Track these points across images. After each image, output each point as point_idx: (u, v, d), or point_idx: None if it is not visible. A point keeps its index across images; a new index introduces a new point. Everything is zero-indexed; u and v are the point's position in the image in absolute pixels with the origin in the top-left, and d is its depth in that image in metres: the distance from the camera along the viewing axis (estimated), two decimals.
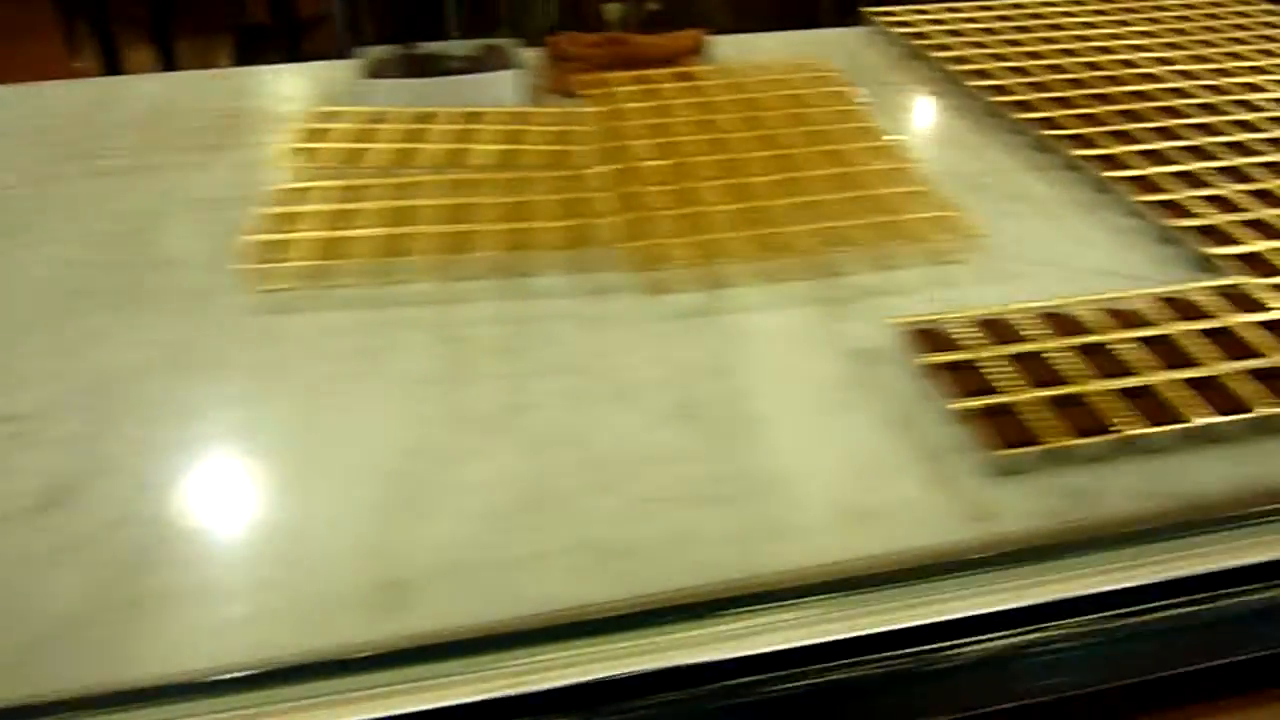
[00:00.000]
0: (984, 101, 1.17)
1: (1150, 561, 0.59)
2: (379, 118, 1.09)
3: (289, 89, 1.31)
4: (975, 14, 1.44)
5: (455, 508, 0.62)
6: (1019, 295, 0.83)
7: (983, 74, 1.22)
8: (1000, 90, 1.18)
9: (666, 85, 1.18)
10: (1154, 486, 0.64)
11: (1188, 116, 1.11)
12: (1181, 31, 1.37)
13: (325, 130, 1.07)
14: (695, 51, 1.29)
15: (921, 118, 1.22)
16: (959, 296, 0.84)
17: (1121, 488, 0.64)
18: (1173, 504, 0.63)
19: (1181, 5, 1.48)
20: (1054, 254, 0.91)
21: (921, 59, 1.31)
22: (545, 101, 1.20)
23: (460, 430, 0.69)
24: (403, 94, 1.13)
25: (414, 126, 1.08)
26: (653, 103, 1.13)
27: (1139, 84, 1.19)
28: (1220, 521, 0.62)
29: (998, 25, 1.39)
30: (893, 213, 0.92)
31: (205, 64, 2.98)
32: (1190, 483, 0.65)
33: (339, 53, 1.35)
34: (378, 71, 1.17)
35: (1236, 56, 1.29)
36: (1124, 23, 1.40)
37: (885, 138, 1.05)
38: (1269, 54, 1.29)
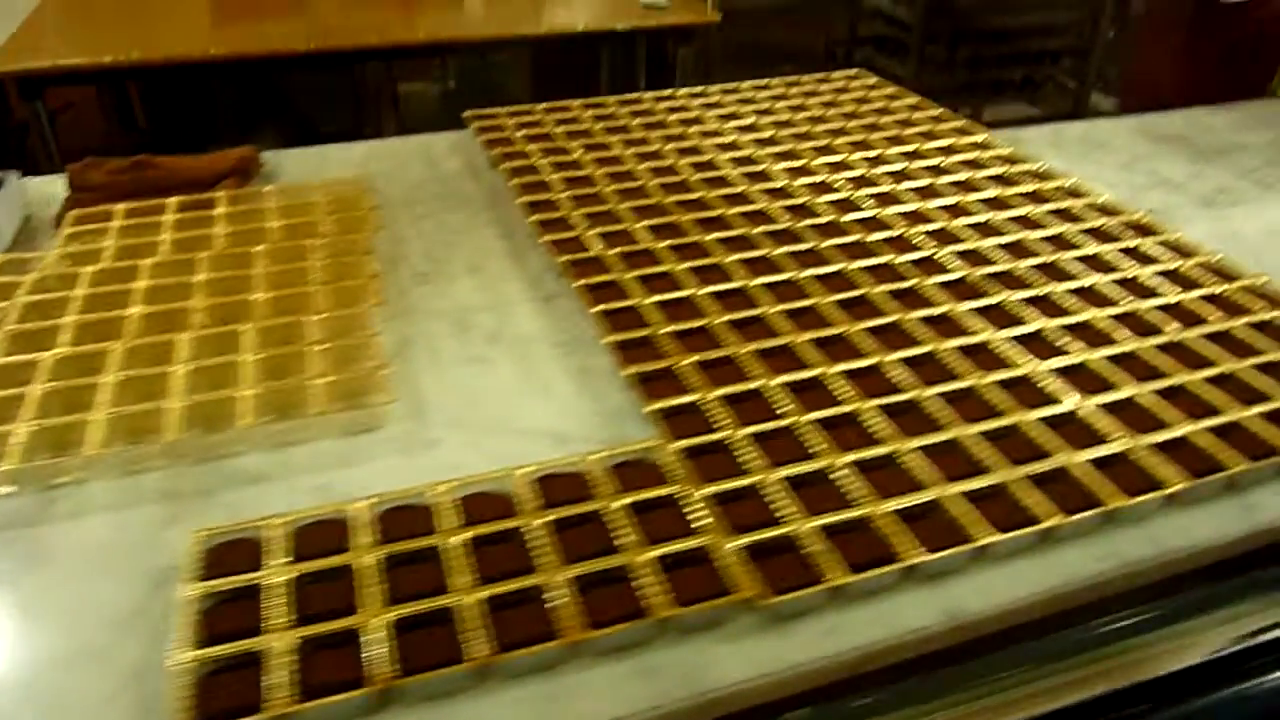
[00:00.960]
0: (526, 222, 1.07)
1: None
2: None
3: None
4: (581, 114, 1.36)
5: None
6: (426, 469, 0.72)
7: (541, 187, 1.13)
8: (546, 207, 1.08)
9: (170, 218, 1.05)
10: None
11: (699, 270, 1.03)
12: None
13: None
14: (240, 174, 1.17)
15: (447, 244, 1.09)
16: (355, 478, 0.72)
17: None
18: None
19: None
20: (495, 413, 0.80)
21: (498, 169, 1.22)
22: (42, 240, 1.06)
23: None
24: None
25: None
26: (133, 241, 1.00)
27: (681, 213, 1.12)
28: None
29: (598, 129, 1.31)
30: (317, 374, 0.80)
31: None
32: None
33: None
34: None
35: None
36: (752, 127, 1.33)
37: (370, 277, 0.94)
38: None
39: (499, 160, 1.21)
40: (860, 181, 1.16)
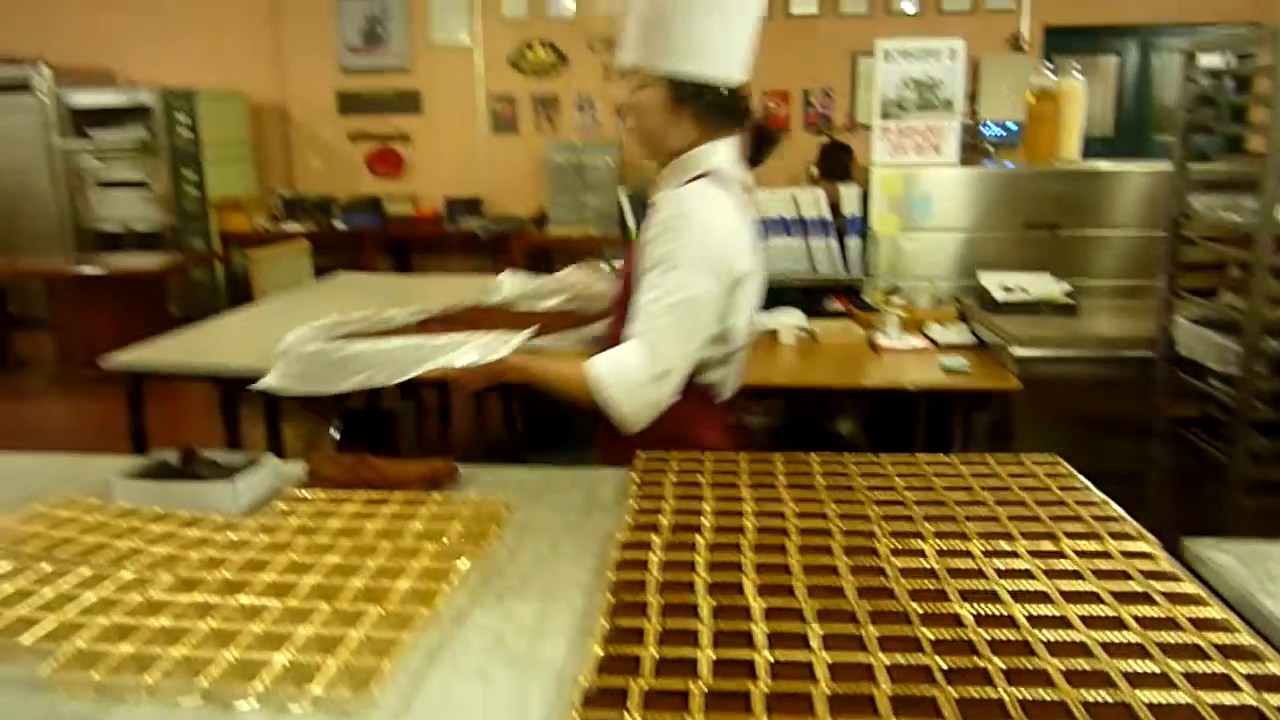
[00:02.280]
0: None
1: None
2: (102, 511, 1.31)
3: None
4: (740, 466, 1.44)
5: None
6: None
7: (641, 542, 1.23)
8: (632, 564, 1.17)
9: (357, 509, 1.31)
10: None
11: None
12: None
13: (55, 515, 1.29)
14: (434, 481, 1.41)
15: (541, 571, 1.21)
16: None
17: None
18: None
19: None
20: None
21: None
22: (266, 512, 1.36)
23: None
24: (137, 493, 1.35)
25: (119, 522, 1.27)
26: (317, 524, 1.26)
27: None
28: None
29: (745, 479, 1.39)
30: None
31: None
32: None
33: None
34: (145, 471, 1.41)
35: None
36: None
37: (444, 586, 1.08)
38: None
39: (632, 499, 1.33)
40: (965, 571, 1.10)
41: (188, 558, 1.17)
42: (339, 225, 6.57)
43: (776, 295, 2.58)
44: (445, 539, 1.21)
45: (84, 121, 6.64)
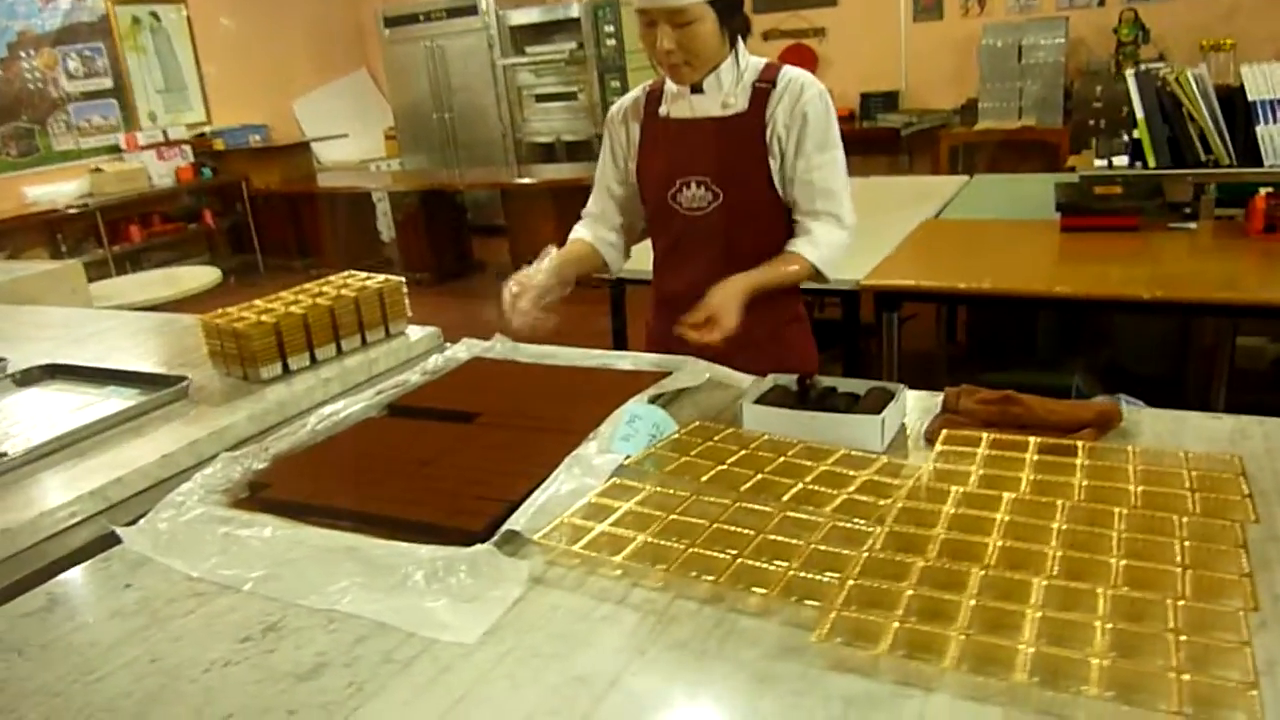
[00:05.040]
0: None
1: None
2: (743, 439, 1.25)
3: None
4: None
5: None
6: None
7: None
8: None
9: (1030, 457, 1.12)
10: None
11: None
12: None
13: (690, 442, 1.25)
14: (1100, 426, 1.19)
15: None
16: None
17: None
18: None
19: None
20: None
21: None
22: (910, 449, 1.23)
23: None
24: (775, 422, 1.27)
25: (765, 454, 1.20)
26: (997, 472, 1.09)
27: None
28: None
29: None
30: (1171, 666, 0.76)
31: None
32: None
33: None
34: (770, 397, 1.33)
35: None
36: None
37: (1241, 575, 0.86)
38: None
39: None
40: None
41: (882, 507, 1.05)
42: None
43: None
44: (1181, 509, 0.99)
45: (521, 38, 7.12)
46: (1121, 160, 3.30)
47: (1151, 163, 3.18)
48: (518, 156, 7.32)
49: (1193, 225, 2.94)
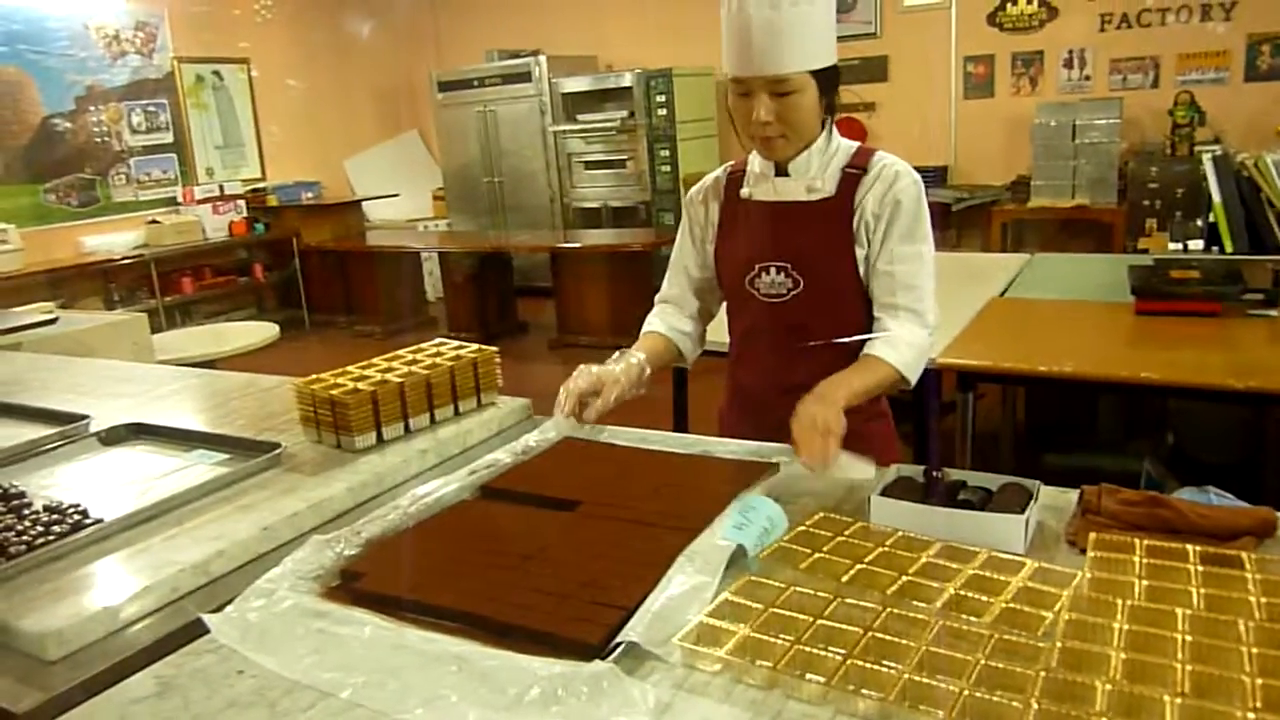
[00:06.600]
0: None
1: None
2: (874, 535, 1.19)
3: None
4: None
5: None
6: None
7: None
8: None
9: (1194, 568, 1.06)
10: None
11: None
12: None
13: (819, 536, 1.20)
14: (1260, 534, 1.12)
15: None
16: None
17: None
18: None
19: None
20: None
21: None
22: (1053, 550, 1.17)
23: None
24: (906, 517, 1.21)
25: (903, 553, 1.14)
26: (1162, 583, 1.03)
27: None
28: None
29: None
30: None
31: None
32: None
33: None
34: (897, 489, 1.27)
35: None
36: None
37: None
38: None
39: None
40: None
41: (1047, 620, 0.98)
42: None
43: None
44: None
45: (572, 105, 7.23)
46: (1196, 244, 3.26)
47: (1229, 248, 3.13)
48: (565, 221, 7.38)
49: (1273, 312, 2.87)
